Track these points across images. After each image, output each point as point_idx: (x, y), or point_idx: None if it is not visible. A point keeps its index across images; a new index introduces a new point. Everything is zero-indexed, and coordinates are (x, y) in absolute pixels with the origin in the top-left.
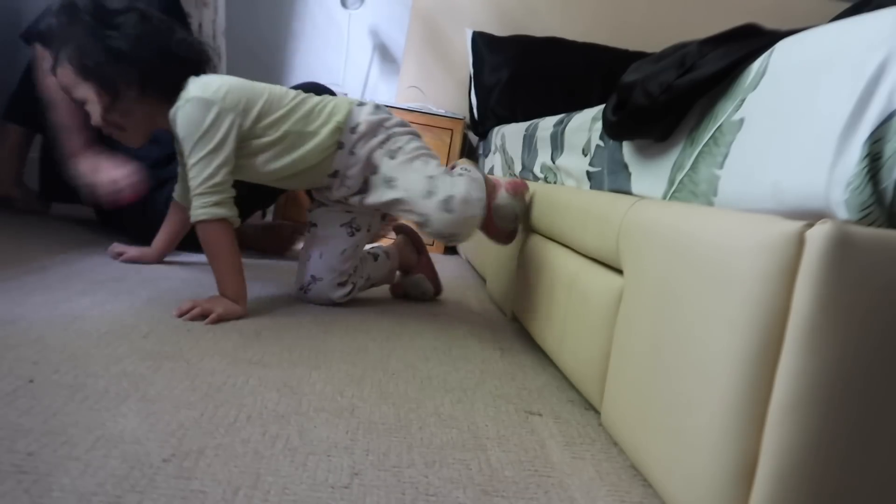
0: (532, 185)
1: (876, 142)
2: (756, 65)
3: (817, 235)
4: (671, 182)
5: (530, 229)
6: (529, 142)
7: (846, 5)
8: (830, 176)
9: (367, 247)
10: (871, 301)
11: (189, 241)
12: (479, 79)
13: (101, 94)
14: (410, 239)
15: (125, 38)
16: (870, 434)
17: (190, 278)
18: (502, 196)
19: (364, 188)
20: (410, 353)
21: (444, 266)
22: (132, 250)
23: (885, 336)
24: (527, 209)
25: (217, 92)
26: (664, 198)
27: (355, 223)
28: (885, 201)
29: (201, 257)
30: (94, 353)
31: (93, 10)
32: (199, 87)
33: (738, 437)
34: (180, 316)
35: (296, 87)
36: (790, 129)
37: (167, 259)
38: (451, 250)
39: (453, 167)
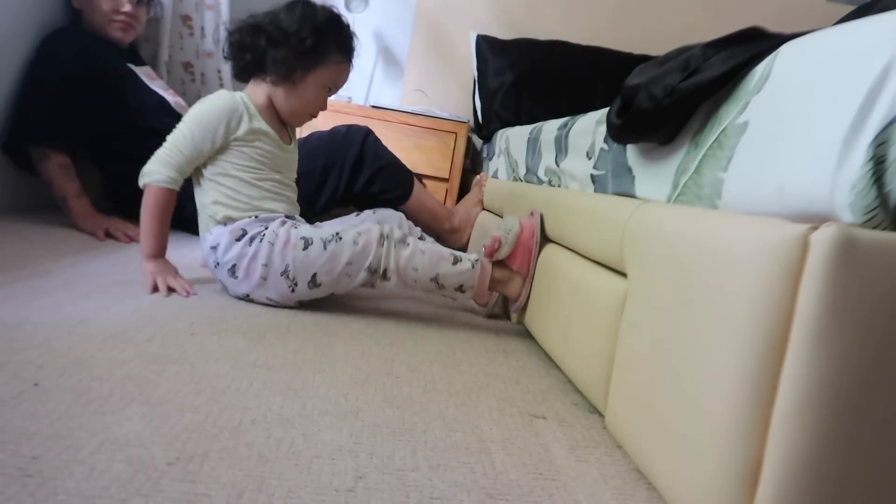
0: (536, 189)
1: (880, 145)
2: (760, 68)
3: (822, 238)
4: (675, 185)
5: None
6: (533, 145)
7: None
8: (835, 179)
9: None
10: (876, 304)
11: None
12: (483, 82)
13: None
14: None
15: None
16: (874, 437)
17: (194, 281)
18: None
19: None
20: (414, 357)
21: None
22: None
23: (890, 339)
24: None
25: None
26: (668, 201)
27: None
28: (890, 204)
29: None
30: (98, 357)
31: None
32: None
33: (742, 440)
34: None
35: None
36: (794, 132)
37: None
38: None
39: None
